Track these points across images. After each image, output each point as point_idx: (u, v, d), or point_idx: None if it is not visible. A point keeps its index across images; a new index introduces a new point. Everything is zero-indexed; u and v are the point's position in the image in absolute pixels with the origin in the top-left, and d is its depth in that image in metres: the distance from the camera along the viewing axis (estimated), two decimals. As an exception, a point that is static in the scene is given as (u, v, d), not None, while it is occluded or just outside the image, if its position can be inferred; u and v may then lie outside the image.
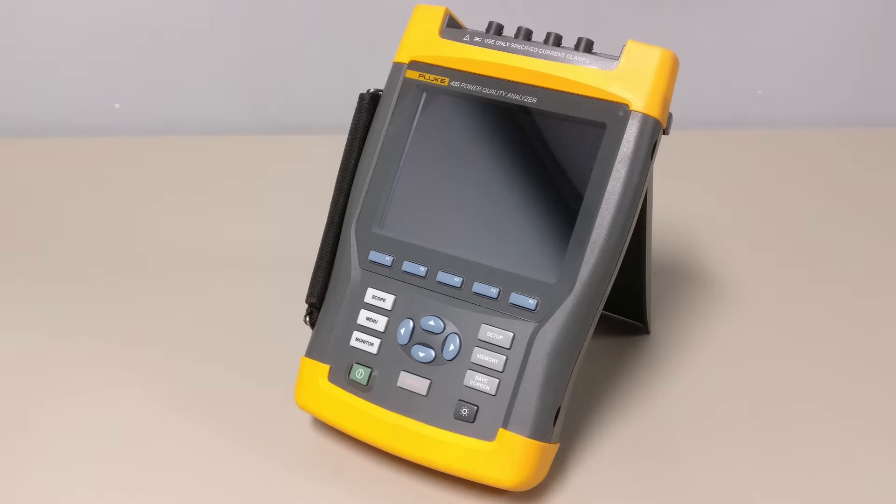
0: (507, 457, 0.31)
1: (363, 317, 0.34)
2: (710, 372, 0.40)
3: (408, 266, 0.34)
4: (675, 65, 0.32)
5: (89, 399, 0.38)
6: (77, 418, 0.36)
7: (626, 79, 0.32)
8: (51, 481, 0.33)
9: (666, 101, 0.32)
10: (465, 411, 0.32)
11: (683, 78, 0.34)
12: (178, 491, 0.33)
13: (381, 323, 0.34)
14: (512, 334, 0.32)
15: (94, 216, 0.54)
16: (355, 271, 0.34)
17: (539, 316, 0.31)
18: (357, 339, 0.34)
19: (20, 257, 0.49)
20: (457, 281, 0.33)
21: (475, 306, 0.33)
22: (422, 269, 0.33)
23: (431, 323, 0.33)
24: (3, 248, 0.50)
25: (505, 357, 0.32)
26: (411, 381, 0.33)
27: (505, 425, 0.31)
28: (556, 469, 0.33)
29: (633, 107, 0.32)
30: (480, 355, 0.32)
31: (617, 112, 0.32)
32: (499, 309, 0.32)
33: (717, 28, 0.72)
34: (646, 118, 0.32)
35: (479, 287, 0.32)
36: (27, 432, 0.36)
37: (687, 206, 0.55)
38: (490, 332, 0.32)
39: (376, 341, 0.33)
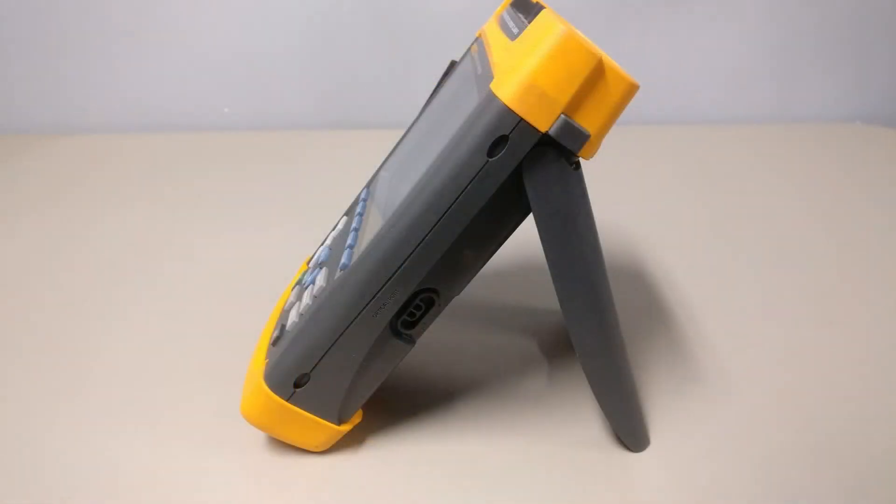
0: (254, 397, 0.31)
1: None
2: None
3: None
4: (579, 55, 0.25)
5: (94, 399, 0.37)
6: (80, 418, 0.36)
7: (515, 55, 0.27)
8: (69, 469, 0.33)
9: (553, 102, 0.26)
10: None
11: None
12: (179, 491, 0.32)
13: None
14: (324, 285, 0.31)
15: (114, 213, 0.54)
16: None
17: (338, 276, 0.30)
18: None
19: (34, 256, 0.50)
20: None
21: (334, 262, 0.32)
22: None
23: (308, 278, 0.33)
24: (4, 246, 0.50)
25: (310, 303, 0.31)
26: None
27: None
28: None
29: (496, 91, 0.26)
30: (306, 300, 0.32)
31: (486, 91, 0.27)
32: (333, 264, 0.32)
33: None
34: (505, 112, 0.26)
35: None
36: (32, 428, 0.35)
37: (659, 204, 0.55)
38: (319, 278, 0.32)
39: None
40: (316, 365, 0.31)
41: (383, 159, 0.40)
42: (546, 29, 0.26)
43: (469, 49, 0.36)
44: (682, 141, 0.73)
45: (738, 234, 0.54)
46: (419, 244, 0.28)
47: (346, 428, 0.33)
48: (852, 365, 0.40)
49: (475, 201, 0.28)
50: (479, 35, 0.35)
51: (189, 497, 0.32)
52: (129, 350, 0.41)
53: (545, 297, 0.45)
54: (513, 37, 0.29)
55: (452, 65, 0.37)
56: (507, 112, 0.26)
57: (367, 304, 0.29)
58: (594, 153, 0.28)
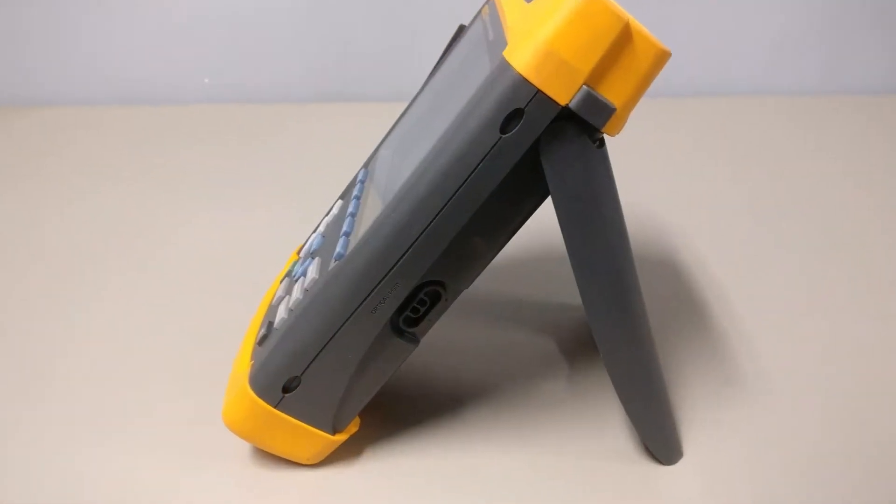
0: (239, 401, 0.30)
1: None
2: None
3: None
4: (603, 19, 0.24)
5: (59, 401, 0.36)
6: (42, 422, 0.35)
7: (531, 18, 0.26)
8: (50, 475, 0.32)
9: (574, 72, 0.25)
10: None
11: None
12: (180, 492, 0.31)
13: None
14: (316, 277, 0.30)
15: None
16: None
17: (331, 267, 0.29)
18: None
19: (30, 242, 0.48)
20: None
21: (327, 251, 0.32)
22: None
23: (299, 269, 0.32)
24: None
25: (300, 297, 0.30)
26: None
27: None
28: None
29: (510, 59, 0.25)
30: (296, 294, 0.30)
31: (499, 59, 0.26)
32: (327, 254, 0.31)
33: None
34: (520, 83, 0.25)
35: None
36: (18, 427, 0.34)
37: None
38: (311, 269, 0.31)
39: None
40: (307, 367, 0.29)
41: (383, 136, 0.39)
42: None
43: (480, 12, 0.35)
44: (718, 115, 0.71)
45: (780, 219, 0.52)
46: (423, 231, 0.27)
47: (341, 438, 0.32)
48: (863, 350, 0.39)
49: (486, 183, 0.26)
50: None
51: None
52: (98, 346, 0.40)
53: (564, 289, 0.44)
54: None
55: (461, 29, 0.36)
56: (523, 82, 0.25)
57: (364, 299, 0.28)
58: (620, 129, 0.27)
